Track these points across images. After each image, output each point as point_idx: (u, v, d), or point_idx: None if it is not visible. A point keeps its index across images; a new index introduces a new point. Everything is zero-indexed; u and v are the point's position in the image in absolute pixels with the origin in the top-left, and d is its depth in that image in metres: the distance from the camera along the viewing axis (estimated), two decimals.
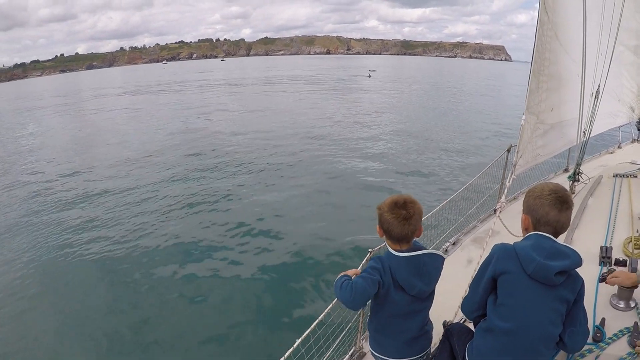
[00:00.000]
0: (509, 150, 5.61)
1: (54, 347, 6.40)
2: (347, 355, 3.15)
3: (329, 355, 3.17)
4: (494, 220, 4.03)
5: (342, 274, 2.44)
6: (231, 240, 9.81)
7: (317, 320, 2.70)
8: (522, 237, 2.31)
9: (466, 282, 3.48)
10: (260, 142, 19.71)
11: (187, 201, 12.35)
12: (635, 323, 2.34)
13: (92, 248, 9.54)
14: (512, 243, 2.27)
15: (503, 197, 4.63)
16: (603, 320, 2.35)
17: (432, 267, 2.47)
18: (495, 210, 4.30)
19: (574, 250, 2.15)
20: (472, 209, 5.74)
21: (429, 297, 2.57)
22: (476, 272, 2.38)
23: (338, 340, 3.30)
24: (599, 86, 4.53)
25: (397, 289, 2.42)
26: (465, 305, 2.51)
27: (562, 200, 2.20)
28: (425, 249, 2.50)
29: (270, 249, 9.27)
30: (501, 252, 2.25)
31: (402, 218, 2.35)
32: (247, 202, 12.13)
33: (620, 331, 2.33)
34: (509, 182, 4.87)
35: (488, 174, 5.94)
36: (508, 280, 2.19)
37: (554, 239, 2.21)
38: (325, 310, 2.74)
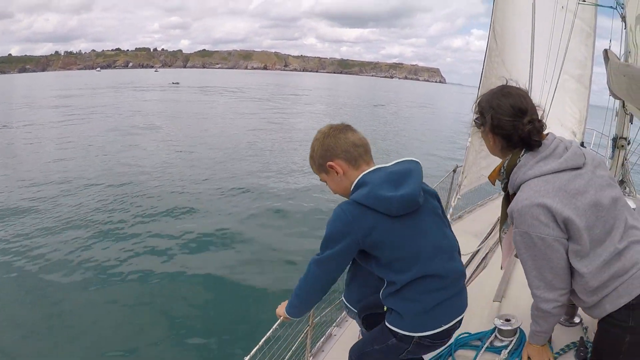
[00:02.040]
0: (454, 171, 5.77)
1: None
2: None
3: None
4: None
5: None
6: (171, 252, 9.41)
7: (265, 336, 2.59)
8: (352, 190, 1.94)
9: None
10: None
11: (122, 216, 11.72)
12: (581, 338, 2.40)
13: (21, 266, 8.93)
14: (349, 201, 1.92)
15: (448, 216, 4.72)
16: (550, 336, 2.41)
17: None
18: None
19: (404, 161, 1.97)
20: None
21: None
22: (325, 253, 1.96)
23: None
24: (543, 111, 4.71)
25: None
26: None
27: (343, 127, 1.99)
28: None
29: (213, 261, 9.06)
30: (351, 216, 1.86)
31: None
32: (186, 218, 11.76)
33: (567, 346, 2.37)
34: (454, 201, 4.98)
35: None
36: (378, 235, 1.86)
37: (380, 165, 1.95)
38: (274, 326, 2.63)
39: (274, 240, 10.22)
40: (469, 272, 4.54)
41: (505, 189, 2.08)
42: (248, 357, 2.38)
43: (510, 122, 1.89)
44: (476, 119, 2.05)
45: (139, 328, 6.60)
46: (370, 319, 2.33)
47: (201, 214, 11.90)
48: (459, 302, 2.05)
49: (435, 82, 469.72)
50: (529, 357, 2.20)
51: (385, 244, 1.88)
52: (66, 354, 6.04)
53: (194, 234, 10.37)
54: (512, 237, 2.17)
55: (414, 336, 1.98)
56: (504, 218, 2.15)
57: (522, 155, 1.92)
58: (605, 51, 4.22)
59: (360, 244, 1.87)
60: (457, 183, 5.02)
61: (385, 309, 2.10)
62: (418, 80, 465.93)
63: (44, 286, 7.89)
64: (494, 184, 2.23)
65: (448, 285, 1.98)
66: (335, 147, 1.93)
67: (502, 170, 2.02)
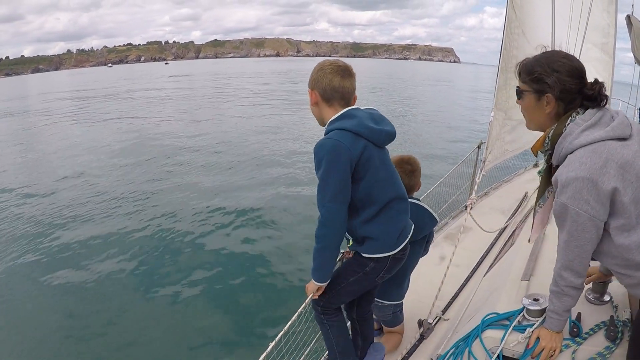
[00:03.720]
0: (479, 147, 5.70)
1: None
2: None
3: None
4: (465, 217, 4.05)
5: None
6: (195, 241, 9.45)
7: (290, 321, 2.59)
8: (332, 120, 2.29)
9: (439, 279, 3.53)
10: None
11: (147, 203, 11.89)
12: (611, 317, 2.35)
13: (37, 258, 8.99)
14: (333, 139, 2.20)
15: (474, 193, 4.67)
16: (579, 315, 2.34)
17: (415, 215, 2.74)
18: (466, 207, 4.33)
19: (373, 109, 2.42)
20: (443, 206, 5.80)
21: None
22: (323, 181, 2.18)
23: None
24: None
25: None
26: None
27: (342, 69, 2.29)
28: (422, 203, 2.98)
29: (235, 250, 9.02)
30: (344, 140, 2.15)
31: (408, 171, 2.88)
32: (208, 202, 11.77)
33: (597, 325, 2.33)
34: (479, 178, 4.93)
35: (458, 172, 6.03)
36: (369, 155, 2.22)
37: (358, 106, 2.35)
38: (299, 310, 2.62)
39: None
40: (496, 249, 4.52)
41: (548, 160, 2.02)
42: (273, 343, 2.44)
43: (577, 84, 1.86)
44: (533, 85, 1.94)
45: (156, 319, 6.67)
46: None
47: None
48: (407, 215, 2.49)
49: (450, 61, 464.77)
50: (538, 338, 2.15)
51: (371, 164, 2.21)
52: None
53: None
54: (547, 211, 2.16)
55: (389, 255, 2.35)
56: (542, 191, 2.14)
57: (567, 124, 1.86)
58: (628, 17, 4.14)
59: (353, 164, 2.15)
60: (482, 159, 4.96)
61: (350, 243, 2.45)
62: (432, 60, 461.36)
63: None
64: (535, 155, 2.31)
65: (406, 204, 2.44)
66: (319, 82, 2.28)
67: (546, 141, 1.95)
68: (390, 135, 2.32)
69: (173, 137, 21.65)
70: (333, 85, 2.25)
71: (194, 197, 12.33)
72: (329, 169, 2.12)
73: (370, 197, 2.26)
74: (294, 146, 19.15)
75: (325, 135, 2.23)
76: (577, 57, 4.13)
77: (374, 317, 3.05)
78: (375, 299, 2.95)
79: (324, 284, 2.35)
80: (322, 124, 2.35)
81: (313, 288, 2.37)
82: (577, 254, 1.85)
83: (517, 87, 2.02)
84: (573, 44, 4.14)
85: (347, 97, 2.29)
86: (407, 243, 2.43)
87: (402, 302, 3.14)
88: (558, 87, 1.86)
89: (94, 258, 8.79)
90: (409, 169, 2.88)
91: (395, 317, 3.16)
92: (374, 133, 2.22)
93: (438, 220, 3.05)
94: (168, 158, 17.15)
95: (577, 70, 1.88)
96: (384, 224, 2.32)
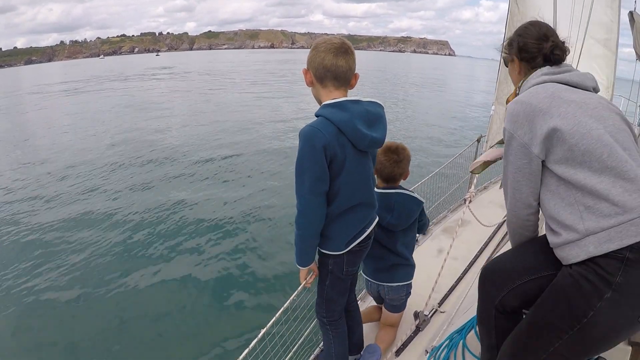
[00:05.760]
0: (478, 140, 5.73)
1: None
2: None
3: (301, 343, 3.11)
4: (463, 210, 4.06)
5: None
6: (187, 237, 9.33)
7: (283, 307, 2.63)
8: (326, 102, 2.15)
9: (436, 272, 3.54)
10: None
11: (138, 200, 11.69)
12: None
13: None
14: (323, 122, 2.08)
15: (472, 186, 4.67)
16: None
17: (401, 205, 2.88)
18: (465, 200, 4.35)
19: (376, 103, 2.24)
20: (441, 198, 5.82)
21: (404, 232, 2.99)
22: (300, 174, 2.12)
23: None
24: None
25: None
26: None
27: (337, 46, 2.12)
28: (406, 191, 2.94)
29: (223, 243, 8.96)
30: (324, 130, 2.04)
31: (393, 161, 2.84)
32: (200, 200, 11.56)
33: None
34: None
35: (458, 165, 6.05)
36: (342, 156, 2.10)
37: (358, 98, 2.18)
38: (291, 297, 2.69)
39: None
40: (494, 243, 4.55)
41: None
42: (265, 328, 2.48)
43: (535, 45, 1.99)
44: (507, 51, 2.13)
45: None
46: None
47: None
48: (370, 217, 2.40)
49: (445, 54, 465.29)
50: None
51: (345, 167, 2.11)
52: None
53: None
54: (496, 152, 2.28)
55: (344, 252, 2.31)
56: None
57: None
58: (631, 13, 4.14)
59: (329, 157, 2.04)
60: (481, 153, 4.98)
61: None
62: (427, 53, 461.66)
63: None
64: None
65: (371, 210, 2.39)
66: (313, 60, 2.14)
67: (517, 92, 2.07)
68: (376, 143, 2.19)
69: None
70: (324, 64, 2.10)
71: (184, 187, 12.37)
72: (303, 157, 2.05)
73: (336, 197, 2.17)
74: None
75: (315, 116, 2.13)
76: (579, 53, 4.16)
77: (388, 301, 3.14)
78: (386, 283, 3.02)
79: (306, 268, 2.34)
80: (320, 103, 2.21)
81: (301, 273, 2.37)
82: (506, 184, 1.90)
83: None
84: (575, 39, 4.14)
85: (340, 76, 2.13)
86: (364, 237, 2.35)
87: (411, 283, 3.15)
88: (517, 47, 2.05)
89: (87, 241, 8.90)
90: (395, 159, 2.84)
91: (405, 300, 3.19)
92: (358, 137, 2.09)
93: (423, 200, 3.01)
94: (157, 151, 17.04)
95: (538, 33, 2.01)
96: (343, 226, 2.26)
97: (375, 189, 2.72)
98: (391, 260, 2.99)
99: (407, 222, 2.94)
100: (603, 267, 1.53)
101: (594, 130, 1.62)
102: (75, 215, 10.80)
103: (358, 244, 2.33)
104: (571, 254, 1.64)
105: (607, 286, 1.52)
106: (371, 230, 2.38)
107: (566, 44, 2.03)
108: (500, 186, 5.36)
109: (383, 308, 3.26)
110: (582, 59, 4.24)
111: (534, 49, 1.99)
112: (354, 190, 2.21)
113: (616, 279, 1.50)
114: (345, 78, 2.15)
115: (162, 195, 11.91)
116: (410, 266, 3.09)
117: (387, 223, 2.85)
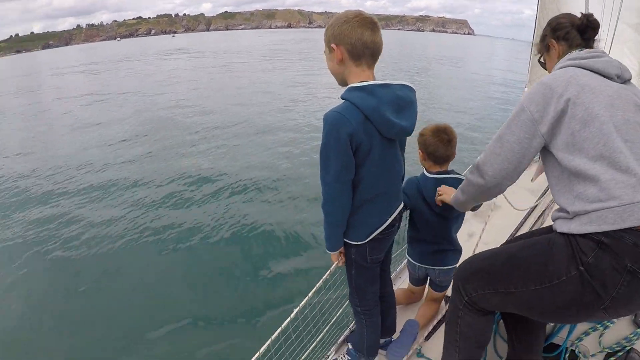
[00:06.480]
0: None
1: None
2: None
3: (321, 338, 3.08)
4: None
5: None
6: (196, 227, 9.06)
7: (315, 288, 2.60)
8: (351, 85, 1.99)
9: (468, 256, 3.55)
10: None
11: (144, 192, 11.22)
12: None
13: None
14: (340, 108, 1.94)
15: None
16: None
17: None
18: None
19: (406, 86, 2.08)
20: None
21: (457, 217, 2.95)
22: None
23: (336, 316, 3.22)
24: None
25: (425, 204, 2.82)
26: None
27: (371, 21, 1.95)
28: (460, 175, 2.83)
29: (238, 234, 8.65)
30: (351, 117, 1.90)
31: (446, 141, 2.75)
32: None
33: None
34: None
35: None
36: (366, 149, 2.00)
37: (387, 82, 2.01)
38: (328, 272, 2.63)
39: None
40: (525, 228, 4.57)
41: None
42: (295, 310, 2.48)
43: (566, 19, 2.09)
44: (542, 42, 2.20)
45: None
46: None
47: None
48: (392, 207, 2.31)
49: (464, 34, 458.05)
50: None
51: (370, 156, 2.01)
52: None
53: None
54: None
55: (365, 242, 2.25)
56: None
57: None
58: None
59: (354, 144, 1.94)
60: None
61: None
62: (446, 32, 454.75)
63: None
64: None
65: (395, 199, 2.31)
66: (346, 36, 1.93)
67: None
68: (405, 131, 2.05)
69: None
70: (364, 40, 1.92)
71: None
72: (328, 145, 1.94)
73: (359, 185, 2.09)
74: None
75: (341, 99, 1.98)
76: (612, 38, 4.16)
77: (437, 282, 3.17)
78: (438, 267, 3.04)
79: (336, 252, 2.32)
80: (344, 84, 2.05)
81: (332, 257, 2.37)
82: (499, 151, 1.87)
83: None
84: (607, 24, 4.13)
85: (377, 54, 2.00)
86: (387, 226, 2.27)
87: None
88: (551, 29, 2.12)
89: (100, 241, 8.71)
90: (446, 138, 2.76)
91: (452, 279, 3.25)
92: (386, 125, 1.95)
93: None
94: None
95: (565, 14, 2.13)
96: (364, 216, 2.20)
97: (427, 174, 2.80)
98: (444, 245, 3.00)
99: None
100: (580, 245, 1.60)
101: (597, 118, 1.65)
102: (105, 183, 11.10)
103: (380, 232, 2.25)
104: (560, 227, 1.73)
105: (580, 263, 1.60)
106: (394, 218, 2.30)
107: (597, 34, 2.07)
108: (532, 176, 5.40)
109: (427, 287, 3.31)
110: (615, 43, 4.23)
111: (566, 22, 2.05)
112: (377, 179, 2.11)
113: (588, 259, 1.57)
114: (378, 56, 2.02)
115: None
116: (459, 251, 3.11)
117: (442, 209, 2.79)
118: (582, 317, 1.75)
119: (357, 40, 1.92)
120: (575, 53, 1.94)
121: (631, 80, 1.93)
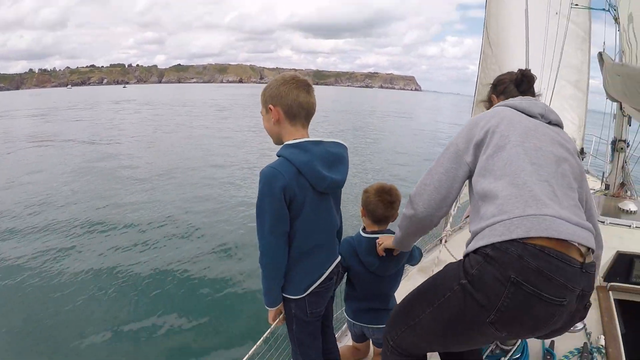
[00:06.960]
0: None
1: None
2: None
3: None
4: (440, 249, 4.03)
5: None
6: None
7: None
8: (286, 143, 2.09)
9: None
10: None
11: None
12: (585, 343, 2.41)
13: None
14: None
15: (449, 225, 4.66)
16: (552, 342, 2.41)
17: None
18: (441, 240, 4.32)
19: (338, 143, 2.20)
20: (417, 240, 5.75)
21: (392, 277, 2.89)
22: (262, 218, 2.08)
23: None
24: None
25: (360, 264, 2.76)
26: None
27: (306, 84, 2.11)
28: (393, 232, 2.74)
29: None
30: (285, 172, 2.00)
31: (387, 202, 2.73)
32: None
33: (571, 352, 2.39)
34: (454, 210, 4.92)
35: None
36: (301, 197, 2.07)
37: (320, 139, 2.13)
38: (263, 336, 2.56)
39: None
40: None
41: None
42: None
43: (506, 76, 2.30)
44: (487, 102, 2.41)
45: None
46: None
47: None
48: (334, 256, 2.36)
49: (411, 90, 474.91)
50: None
51: (303, 209, 2.08)
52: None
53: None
54: None
55: (304, 295, 2.24)
56: None
57: None
58: (600, 54, 4.24)
59: (288, 198, 2.01)
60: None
61: None
62: (394, 88, 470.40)
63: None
64: None
65: (331, 252, 2.33)
66: (284, 97, 2.05)
67: None
68: (336, 184, 2.17)
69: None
70: (300, 101, 2.06)
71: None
72: (263, 198, 2.02)
73: (293, 239, 2.14)
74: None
75: (277, 156, 2.08)
76: (551, 94, 4.24)
77: (374, 340, 3.09)
78: (374, 325, 2.94)
79: (275, 309, 2.30)
80: (280, 142, 2.15)
81: (270, 314, 2.33)
82: (429, 182, 1.98)
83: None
84: (546, 81, 4.23)
85: (311, 114, 2.13)
86: (324, 279, 2.29)
87: None
88: (492, 86, 2.34)
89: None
90: (388, 199, 2.75)
91: None
92: (317, 178, 2.06)
93: (416, 246, 2.97)
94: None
95: (507, 72, 2.34)
96: (301, 270, 2.23)
97: (363, 234, 2.77)
98: (377, 304, 2.92)
99: (396, 266, 2.87)
100: (470, 260, 1.63)
101: (510, 142, 1.76)
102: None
103: (318, 285, 2.27)
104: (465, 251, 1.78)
105: (463, 276, 1.62)
106: (331, 271, 2.32)
107: (537, 90, 2.28)
108: None
109: (371, 342, 3.22)
110: (555, 99, 4.32)
111: (506, 79, 2.27)
112: (312, 231, 2.17)
113: (473, 271, 1.59)
114: (312, 115, 2.16)
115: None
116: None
117: (377, 269, 2.77)
118: (475, 334, 1.70)
119: (293, 102, 2.05)
120: (509, 100, 2.08)
121: (568, 133, 2.04)
